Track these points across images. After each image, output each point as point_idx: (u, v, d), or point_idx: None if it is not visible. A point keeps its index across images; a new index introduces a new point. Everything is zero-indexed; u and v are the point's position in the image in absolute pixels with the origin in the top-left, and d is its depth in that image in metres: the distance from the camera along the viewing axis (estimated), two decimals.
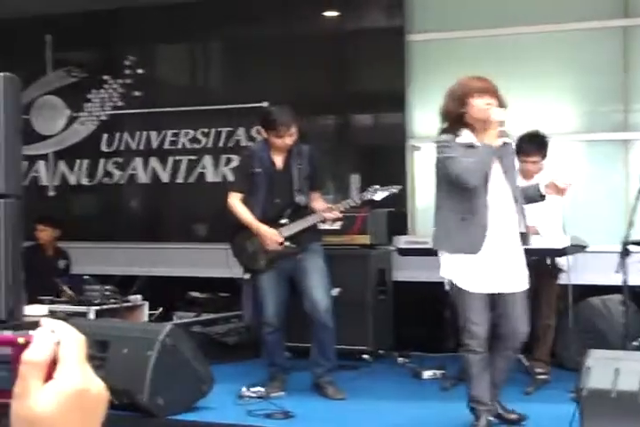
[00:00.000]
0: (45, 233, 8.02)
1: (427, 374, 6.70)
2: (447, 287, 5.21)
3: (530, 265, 6.31)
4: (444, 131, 5.06)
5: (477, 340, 4.97)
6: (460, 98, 4.94)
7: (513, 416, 5.35)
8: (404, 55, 8.21)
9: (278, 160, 6.16)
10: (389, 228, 7.64)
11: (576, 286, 7.18)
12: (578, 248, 6.32)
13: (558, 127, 7.73)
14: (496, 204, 4.92)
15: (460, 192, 4.90)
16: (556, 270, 6.67)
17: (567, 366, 6.46)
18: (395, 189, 6.24)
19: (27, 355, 1.04)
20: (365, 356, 7.32)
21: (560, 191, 5.17)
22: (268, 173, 6.13)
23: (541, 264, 6.41)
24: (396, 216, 7.82)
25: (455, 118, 4.98)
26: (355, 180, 8.34)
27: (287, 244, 6.10)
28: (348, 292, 7.19)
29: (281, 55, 8.60)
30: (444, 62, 8.16)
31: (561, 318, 6.87)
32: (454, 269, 5.02)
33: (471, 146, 4.90)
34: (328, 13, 8.64)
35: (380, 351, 7.46)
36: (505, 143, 5.00)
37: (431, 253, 6.29)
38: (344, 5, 8.56)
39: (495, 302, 5.05)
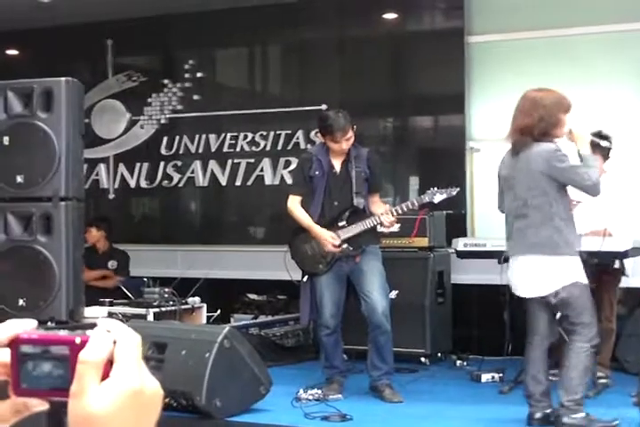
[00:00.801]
0: (89, 234, 8.00)
1: (485, 377, 6.64)
2: (559, 288, 5.18)
3: (591, 267, 6.27)
4: (534, 141, 5.15)
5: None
6: (554, 115, 5.12)
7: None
8: (463, 57, 8.16)
9: (337, 163, 6.16)
10: (448, 230, 7.59)
11: (637, 289, 7.10)
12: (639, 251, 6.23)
13: (624, 128, 7.62)
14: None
15: (565, 200, 5.20)
16: (618, 273, 6.58)
17: (629, 370, 6.37)
18: (454, 192, 6.20)
19: (83, 354, 1.05)
20: (423, 359, 7.28)
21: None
22: (327, 176, 6.13)
23: (603, 267, 6.32)
24: (455, 218, 7.78)
25: (547, 131, 5.15)
26: (414, 182, 8.31)
27: (345, 246, 6.08)
28: (407, 294, 7.16)
29: (340, 58, 8.61)
30: (503, 64, 8.12)
31: (622, 322, 6.78)
32: (577, 270, 5.17)
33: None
34: (387, 15, 8.62)
35: (438, 354, 7.43)
36: None
37: (490, 255, 6.29)
38: (403, 7, 8.53)
39: None
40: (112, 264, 8.06)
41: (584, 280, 5.21)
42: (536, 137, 5.13)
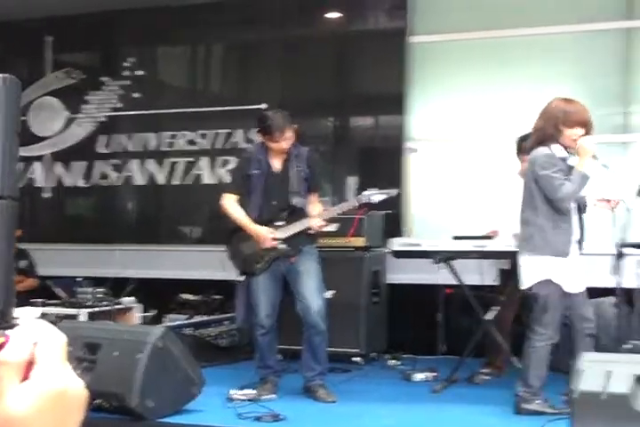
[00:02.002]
0: None
1: (418, 376, 6.68)
2: (527, 286, 5.50)
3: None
4: (537, 144, 5.50)
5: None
6: (557, 126, 5.39)
7: None
8: (404, 57, 8.19)
9: (276, 162, 6.14)
10: (385, 230, 7.62)
11: None
12: None
13: None
14: (574, 214, 5.51)
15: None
16: None
17: (561, 369, 6.41)
18: (393, 192, 6.21)
19: (2, 355, 1.02)
20: (357, 359, 7.30)
21: (611, 206, 5.71)
22: (265, 175, 6.11)
23: None
24: (392, 218, 7.80)
25: (548, 137, 5.45)
26: (352, 181, 8.32)
27: (283, 246, 6.07)
28: (342, 294, 7.16)
29: (281, 57, 8.60)
30: (444, 64, 8.16)
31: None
32: (551, 270, 5.40)
33: (565, 160, 5.43)
34: (330, 15, 8.62)
35: (372, 354, 7.44)
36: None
37: (426, 255, 6.32)
38: (346, 7, 8.54)
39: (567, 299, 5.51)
40: (23, 264, 7.92)
41: (559, 281, 5.41)
42: (538, 142, 5.48)
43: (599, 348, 5.89)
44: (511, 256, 6.36)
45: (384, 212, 7.57)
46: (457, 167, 8.14)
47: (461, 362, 6.43)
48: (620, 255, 6.10)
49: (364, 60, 8.50)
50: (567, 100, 5.53)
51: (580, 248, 5.53)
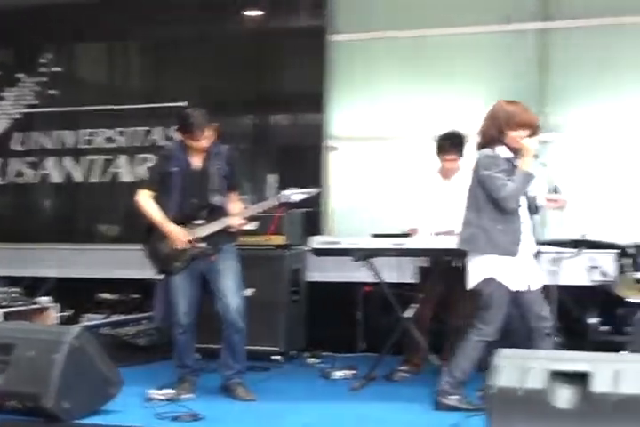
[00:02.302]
0: None
1: (337, 374, 6.69)
2: (475, 284, 5.55)
3: (442, 267, 6.37)
4: (483, 146, 5.56)
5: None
6: (501, 129, 5.46)
7: None
8: (324, 55, 8.20)
9: (196, 160, 6.09)
10: (305, 228, 7.62)
11: None
12: None
13: (475, 128, 7.76)
14: (522, 214, 5.53)
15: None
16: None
17: (479, 365, 6.46)
18: (313, 191, 6.20)
19: None
20: (276, 357, 7.29)
21: (559, 205, 5.70)
22: (184, 173, 6.06)
23: (453, 265, 6.42)
24: (312, 216, 7.81)
25: (492, 139, 5.52)
26: (272, 180, 8.29)
27: (202, 244, 6.02)
28: (262, 292, 7.15)
29: (200, 54, 8.53)
30: (365, 63, 8.18)
31: (472, 318, 6.89)
32: (495, 268, 5.46)
33: (510, 161, 5.47)
34: (250, 12, 8.59)
35: (292, 352, 7.43)
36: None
37: (346, 253, 6.33)
38: (266, 4, 8.51)
39: (517, 298, 5.56)
40: None
41: (503, 279, 5.46)
42: (482, 144, 5.55)
43: (515, 343, 5.96)
44: (430, 254, 6.41)
45: (304, 210, 7.57)
46: (377, 166, 8.17)
47: (380, 360, 6.45)
48: (536, 253, 6.18)
49: (285, 58, 8.48)
50: (510, 102, 5.57)
51: (531, 247, 5.55)
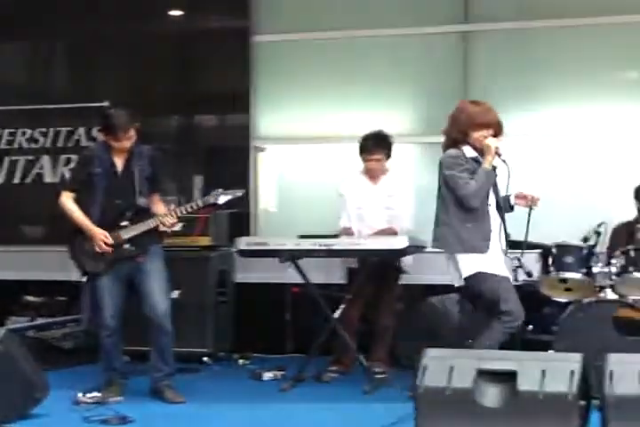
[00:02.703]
0: None
1: (267, 375, 6.70)
2: (458, 284, 5.61)
3: (370, 266, 6.40)
4: (448, 146, 5.63)
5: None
6: (463, 130, 5.53)
7: None
8: (249, 56, 8.19)
9: (119, 161, 6.04)
10: (231, 229, 7.61)
11: (416, 286, 7.31)
12: (417, 248, 6.41)
13: (400, 130, 7.83)
14: (492, 212, 5.57)
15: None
16: (397, 271, 6.75)
17: (407, 365, 6.52)
18: (239, 193, 6.19)
19: None
20: (205, 358, 7.28)
21: (531, 203, 5.64)
22: (108, 174, 6.00)
23: (382, 265, 6.47)
24: (240, 218, 7.80)
25: (455, 140, 5.59)
26: (198, 181, 8.26)
27: (127, 246, 5.98)
28: (189, 294, 7.14)
29: (125, 54, 8.46)
30: (289, 64, 8.20)
31: (401, 318, 6.96)
32: (474, 264, 5.48)
33: (477, 160, 5.52)
34: (173, 12, 8.54)
35: (221, 354, 7.42)
36: (494, 166, 5.59)
37: (273, 254, 6.33)
38: (189, 5, 8.48)
39: None
40: None
41: (491, 270, 5.49)
42: (447, 145, 5.63)
43: (445, 344, 6.02)
44: (358, 255, 6.44)
45: (231, 211, 7.55)
46: (305, 167, 8.20)
47: (309, 360, 6.47)
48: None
49: (210, 59, 8.46)
50: (473, 103, 5.65)
51: (503, 246, 5.57)
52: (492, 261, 5.49)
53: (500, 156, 5.50)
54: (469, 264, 5.50)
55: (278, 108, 8.27)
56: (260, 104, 8.27)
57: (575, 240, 6.36)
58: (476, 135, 5.50)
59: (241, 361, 7.36)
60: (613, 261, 6.31)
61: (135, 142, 6.02)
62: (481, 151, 5.52)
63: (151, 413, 5.71)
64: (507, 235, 5.62)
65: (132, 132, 5.95)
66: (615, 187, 7.57)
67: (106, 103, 8.08)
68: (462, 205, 5.49)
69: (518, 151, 7.79)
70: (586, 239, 6.44)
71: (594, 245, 6.44)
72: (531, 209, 5.63)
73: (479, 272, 5.48)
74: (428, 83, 8.04)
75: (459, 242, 5.51)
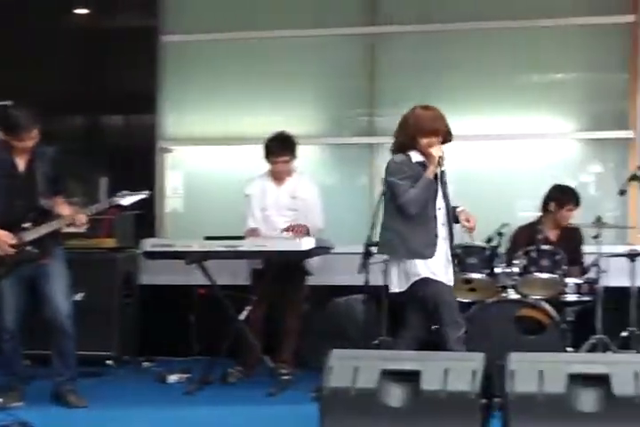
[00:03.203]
0: None
1: (172, 378, 6.66)
2: (399, 289, 5.51)
3: (276, 267, 6.40)
4: (395, 150, 5.60)
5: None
6: (410, 135, 5.49)
7: None
8: (156, 56, 8.13)
9: (20, 162, 5.92)
10: (137, 231, 7.54)
11: (322, 287, 7.33)
12: (323, 250, 6.43)
13: (306, 131, 7.85)
14: (439, 217, 5.53)
15: None
16: (303, 272, 6.75)
17: (313, 366, 6.52)
18: (144, 195, 6.13)
19: None
20: (109, 362, 7.20)
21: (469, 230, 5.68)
22: (9, 176, 5.88)
23: (288, 266, 6.47)
24: (145, 219, 7.73)
25: (403, 146, 5.56)
26: (103, 183, 8.16)
27: (29, 248, 5.87)
28: (94, 296, 7.07)
29: (28, 52, 8.30)
30: (197, 64, 8.16)
31: (307, 319, 6.97)
32: (419, 270, 5.43)
33: (424, 164, 5.47)
34: (80, 11, 8.44)
35: (125, 357, 7.35)
36: (442, 170, 5.59)
37: (179, 256, 6.29)
38: (96, 3, 8.38)
39: None
40: None
41: (436, 277, 5.46)
42: (394, 150, 5.59)
43: (351, 344, 6.05)
44: (264, 256, 6.43)
45: (136, 212, 7.47)
46: (212, 167, 8.17)
47: (214, 362, 6.44)
48: (367, 254, 6.28)
49: (116, 59, 8.37)
50: (424, 108, 5.58)
51: (448, 251, 5.55)
52: (437, 268, 5.46)
53: (441, 166, 5.50)
54: (414, 270, 5.45)
55: (185, 109, 8.22)
56: (167, 105, 8.21)
57: (478, 241, 6.44)
58: (424, 142, 5.46)
59: (146, 364, 7.29)
60: (515, 261, 6.42)
61: (38, 143, 5.91)
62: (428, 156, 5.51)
63: (53, 418, 5.62)
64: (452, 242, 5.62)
65: (35, 133, 5.83)
66: (518, 188, 7.71)
67: (8, 102, 7.92)
68: (402, 212, 5.48)
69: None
70: (489, 240, 6.54)
71: (497, 246, 6.54)
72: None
73: (423, 278, 5.43)
74: (335, 84, 8.08)
75: (404, 247, 5.48)
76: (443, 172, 5.60)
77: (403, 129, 5.57)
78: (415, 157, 5.52)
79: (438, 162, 5.44)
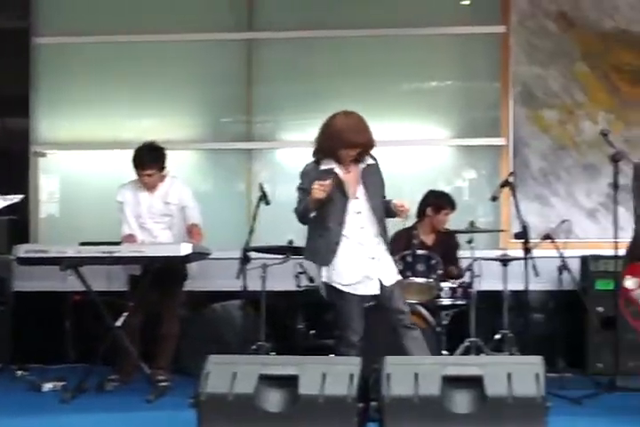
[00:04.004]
0: None
1: (46, 386, 6.53)
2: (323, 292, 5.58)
3: (153, 273, 6.34)
4: (313, 154, 5.53)
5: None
6: (327, 146, 5.41)
7: None
8: (29, 58, 7.99)
9: None
10: (10, 236, 7.39)
11: (200, 293, 7.32)
12: (201, 255, 6.40)
13: (183, 136, 7.83)
14: (357, 221, 5.43)
15: (319, 213, 5.41)
16: (181, 278, 6.71)
17: (191, 372, 6.50)
18: (16, 199, 6.01)
19: None
20: None
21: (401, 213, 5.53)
22: None
23: (165, 272, 6.42)
24: (18, 224, 7.59)
25: (320, 153, 5.49)
26: None
27: None
28: None
29: None
30: (72, 67, 8.07)
31: (185, 325, 6.94)
32: (322, 274, 5.47)
33: (330, 171, 5.39)
34: None
35: None
36: (368, 164, 5.49)
37: (54, 262, 6.18)
38: None
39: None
40: None
41: (339, 284, 5.44)
42: (313, 155, 5.53)
43: (229, 350, 6.05)
44: (141, 262, 6.37)
45: (10, 217, 7.34)
46: (88, 172, 8.06)
47: (91, 369, 6.34)
48: (245, 259, 6.30)
49: None
50: (347, 116, 5.44)
51: (371, 254, 5.47)
52: (340, 274, 5.43)
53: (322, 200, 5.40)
54: (320, 273, 5.51)
55: (59, 113, 8.11)
56: (41, 108, 8.09)
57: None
58: (341, 152, 5.40)
59: (19, 372, 7.12)
60: None
61: None
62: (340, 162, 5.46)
63: None
64: (386, 240, 5.57)
65: None
66: (395, 194, 7.81)
67: None
68: (321, 213, 5.43)
69: (298, 159, 7.97)
70: None
71: None
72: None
73: (324, 283, 5.48)
74: (213, 90, 8.07)
75: (311, 252, 5.53)
76: (370, 165, 5.51)
77: (323, 138, 5.47)
78: (325, 164, 5.48)
79: (320, 200, 5.30)
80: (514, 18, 7.75)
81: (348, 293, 5.44)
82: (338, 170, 5.46)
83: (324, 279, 5.50)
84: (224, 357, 4.64)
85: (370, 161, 5.54)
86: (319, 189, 5.24)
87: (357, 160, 5.48)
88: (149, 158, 6.59)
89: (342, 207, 5.44)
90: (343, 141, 5.36)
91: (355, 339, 5.40)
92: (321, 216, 5.45)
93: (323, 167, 5.46)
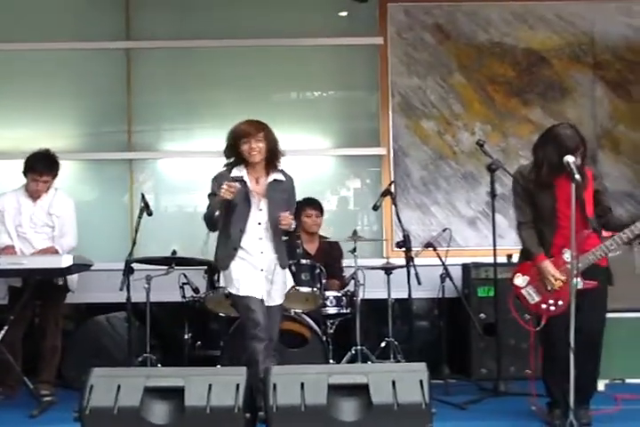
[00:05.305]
0: None
1: None
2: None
3: (34, 285, 6.24)
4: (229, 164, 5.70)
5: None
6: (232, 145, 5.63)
7: None
8: None
9: None
10: None
11: (82, 305, 7.23)
12: (82, 267, 6.32)
13: (64, 146, 7.72)
14: (256, 232, 5.58)
15: (224, 220, 5.54)
16: (62, 290, 6.61)
17: (73, 386, 6.41)
18: None
19: None
20: None
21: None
22: None
23: (46, 284, 6.33)
24: None
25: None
26: None
27: None
28: None
29: None
30: None
31: (68, 338, 6.84)
32: (222, 279, 5.70)
33: (239, 179, 5.54)
34: None
35: None
36: (276, 180, 5.67)
37: None
38: None
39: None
40: None
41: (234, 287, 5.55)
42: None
43: (114, 362, 5.98)
44: (21, 274, 6.25)
45: None
46: None
47: None
48: (128, 271, 6.24)
49: None
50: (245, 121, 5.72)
51: (271, 263, 5.60)
52: (244, 280, 5.53)
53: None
54: (222, 278, 5.70)
55: None
56: None
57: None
58: (243, 149, 5.58)
59: None
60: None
61: None
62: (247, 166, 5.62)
63: None
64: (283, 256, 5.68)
65: None
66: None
67: None
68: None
69: (180, 169, 7.95)
70: None
71: None
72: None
73: (224, 288, 5.68)
74: (92, 99, 7.98)
75: (215, 256, 5.69)
76: (277, 181, 5.66)
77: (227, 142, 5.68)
78: (235, 171, 5.62)
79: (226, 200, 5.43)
80: (391, 29, 7.87)
81: (251, 297, 5.54)
82: (247, 178, 5.61)
83: (222, 284, 5.70)
84: (108, 370, 4.59)
85: (279, 177, 5.70)
86: (227, 190, 5.38)
87: (268, 173, 5.65)
88: (47, 164, 6.51)
89: (245, 216, 5.58)
90: (240, 135, 5.58)
91: (256, 332, 5.44)
92: (225, 222, 5.57)
93: (233, 175, 5.60)
